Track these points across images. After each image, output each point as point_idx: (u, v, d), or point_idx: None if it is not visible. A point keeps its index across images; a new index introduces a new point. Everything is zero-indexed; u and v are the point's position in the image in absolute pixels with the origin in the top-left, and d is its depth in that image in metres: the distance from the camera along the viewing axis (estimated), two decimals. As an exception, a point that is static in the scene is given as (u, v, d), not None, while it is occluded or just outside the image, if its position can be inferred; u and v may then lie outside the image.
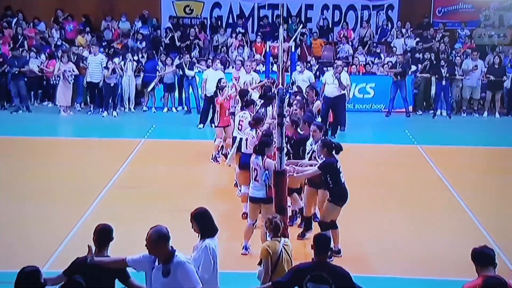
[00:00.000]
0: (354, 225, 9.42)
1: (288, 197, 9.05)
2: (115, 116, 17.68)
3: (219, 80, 13.15)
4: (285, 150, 8.96)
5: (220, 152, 12.82)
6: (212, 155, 12.83)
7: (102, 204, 10.55)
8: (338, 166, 8.30)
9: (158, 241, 5.14)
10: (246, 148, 10.04)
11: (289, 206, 9.23)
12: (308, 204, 9.11)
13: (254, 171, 8.37)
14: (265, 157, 8.35)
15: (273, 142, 8.41)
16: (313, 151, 8.89)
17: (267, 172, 8.14)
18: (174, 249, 5.23)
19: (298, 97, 11.24)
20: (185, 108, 18.34)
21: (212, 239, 5.78)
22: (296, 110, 10.28)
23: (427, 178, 12.24)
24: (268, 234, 6.45)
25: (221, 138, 12.56)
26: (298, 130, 9.49)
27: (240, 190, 10.55)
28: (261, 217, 8.32)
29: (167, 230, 5.25)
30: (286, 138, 8.95)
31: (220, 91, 12.71)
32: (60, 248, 8.63)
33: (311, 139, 8.99)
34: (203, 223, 5.79)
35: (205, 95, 15.94)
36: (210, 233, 5.80)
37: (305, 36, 20.46)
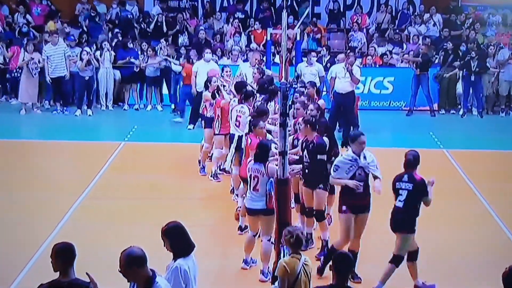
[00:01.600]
0: (376, 237, 9.41)
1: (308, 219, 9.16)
2: (90, 115, 17.62)
3: (208, 80, 12.55)
4: (298, 156, 9.07)
5: (218, 167, 12.34)
6: (212, 171, 12.34)
7: (74, 219, 10.48)
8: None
9: (130, 265, 5.06)
10: None
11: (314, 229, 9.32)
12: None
13: (254, 180, 8.41)
14: (268, 163, 8.39)
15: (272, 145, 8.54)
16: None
17: (272, 179, 8.22)
18: (156, 273, 5.14)
19: (301, 97, 11.13)
20: (172, 106, 18.32)
21: (185, 259, 5.69)
22: (299, 108, 10.22)
23: (455, 187, 12.20)
24: (286, 249, 6.44)
25: (221, 148, 12.02)
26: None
27: (236, 195, 10.61)
28: (261, 230, 8.48)
29: (142, 251, 5.13)
30: (304, 143, 9.06)
31: (218, 92, 12.11)
32: (23, 273, 8.53)
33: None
34: (175, 240, 5.72)
35: (196, 90, 15.89)
36: (184, 252, 5.73)
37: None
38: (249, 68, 14.94)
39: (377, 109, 18.69)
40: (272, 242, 8.21)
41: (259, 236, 8.62)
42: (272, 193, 8.20)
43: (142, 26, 20.33)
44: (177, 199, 11.39)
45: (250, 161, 8.67)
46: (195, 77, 15.89)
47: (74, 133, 16.01)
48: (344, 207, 8.21)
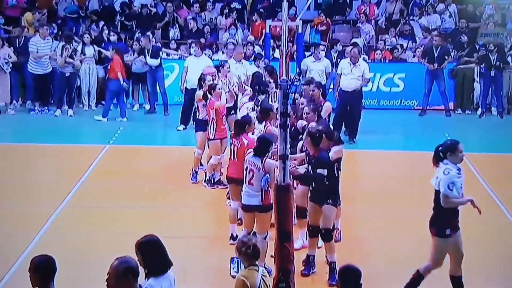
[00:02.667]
0: (391, 247, 9.45)
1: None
2: (71, 115, 17.65)
3: (203, 78, 12.47)
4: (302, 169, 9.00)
5: (213, 177, 12.25)
6: (206, 177, 12.33)
7: (53, 229, 10.48)
8: None
9: (127, 274, 5.08)
10: None
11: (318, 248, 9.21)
12: None
13: (249, 173, 8.68)
14: (266, 157, 8.60)
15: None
16: None
17: (267, 176, 8.47)
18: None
19: (301, 98, 11.14)
20: (147, 106, 18.40)
21: (158, 279, 5.63)
22: (307, 113, 10.13)
23: (472, 194, 12.13)
24: (242, 261, 6.38)
25: (218, 155, 11.99)
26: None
27: (228, 200, 10.75)
28: (256, 228, 8.71)
29: (137, 264, 5.20)
30: (308, 156, 9.05)
31: (210, 92, 11.98)
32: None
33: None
34: (149, 255, 5.67)
35: (186, 88, 15.93)
36: (157, 270, 5.69)
37: None
38: (235, 64, 14.97)
39: (387, 108, 18.72)
40: (268, 240, 8.50)
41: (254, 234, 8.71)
42: (269, 190, 8.47)
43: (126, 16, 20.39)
44: (166, 208, 11.39)
45: (249, 153, 8.86)
46: (186, 73, 15.94)
47: (54, 135, 15.99)
48: (448, 231, 8.03)
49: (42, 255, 5.57)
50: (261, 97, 11.56)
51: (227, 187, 11.07)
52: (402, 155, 15.32)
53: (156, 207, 11.43)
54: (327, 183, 8.64)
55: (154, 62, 17.81)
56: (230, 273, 5.99)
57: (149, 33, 18.88)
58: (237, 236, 9.62)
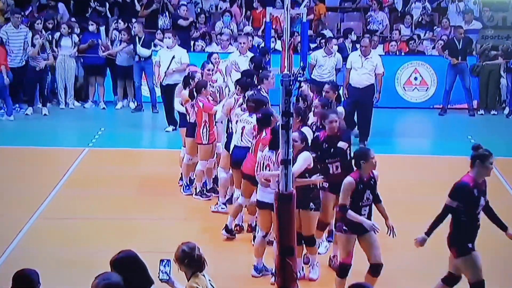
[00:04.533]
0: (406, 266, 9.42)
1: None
2: (45, 114, 17.64)
3: (191, 76, 12.36)
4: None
5: (205, 186, 12.26)
6: (196, 188, 12.28)
7: (24, 243, 10.45)
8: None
9: None
10: (241, 141, 10.46)
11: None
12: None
13: (266, 169, 9.26)
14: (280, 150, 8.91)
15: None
16: None
17: None
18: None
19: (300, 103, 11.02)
20: (135, 103, 18.38)
21: None
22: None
23: (498, 203, 12.00)
24: (184, 271, 6.38)
25: (206, 160, 11.97)
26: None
27: (216, 205, 11.51)
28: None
29: (120, 280, 5.23)
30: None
31: (198, 91, 11.75)
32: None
33: None
34: (126, 274, 5.58)
35: (161, 84, 16.11)
36: None
37: None
38: (240, 57, 14.88)
39: (403, 107, 18.74)
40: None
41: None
42: None
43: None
44: (151, 219, 11.39)
45: (265, 149, 9.39)
46: (158, 67, 15.98)
47: (25, 136, 15.98)
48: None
49: (25, 269, 5.66)
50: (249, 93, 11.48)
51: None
52: (421, 160, 15.26)
53: (138, 219, 11.42)
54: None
55: (145, 52, 17.77)
56: (158, 277, 6.02)
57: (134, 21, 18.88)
58: (231, 229, 10.55)
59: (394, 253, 9.82)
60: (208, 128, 11.87)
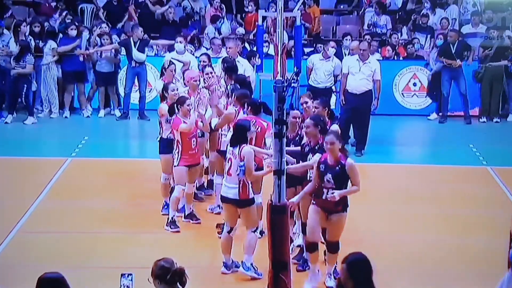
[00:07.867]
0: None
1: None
2: (25, 123, 17.57)
3: (165, 87, 12.00)
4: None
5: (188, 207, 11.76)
6: (168, 219, 11.37)
7: (3, 258, 10.42)
8: None
9: None
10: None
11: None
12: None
13: (228, 162, 9.66)
14: (243, 145, 9.37)
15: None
16: None
17: (242, 164, 9.37)
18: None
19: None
20: (121, 111, 18.34)
21: None
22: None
23: (502, 214, 12.09)
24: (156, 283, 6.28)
25: (183, 185, 11.33)
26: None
27: (212, 206, 11.92)
28: (245, 225, 9.68)
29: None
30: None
31: (178, 106, 11.21)
32: None
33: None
34: None
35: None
36: None
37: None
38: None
39: (401, 114, 18.77)
40: (257, 234, 9.63)
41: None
42: (246, 182, 9.40)
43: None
44: (136, 233, 11.38)
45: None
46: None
47: (4, 146, 15.99)
48: None
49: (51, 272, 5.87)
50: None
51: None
52: (419, 169, 15.23)
53: (122, 233, 11.40)
54: None
55: (141, 56, 17.77)
56: None
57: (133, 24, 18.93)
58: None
59: (390, 263, 9.87)
60: (180, 149, 11.23)
